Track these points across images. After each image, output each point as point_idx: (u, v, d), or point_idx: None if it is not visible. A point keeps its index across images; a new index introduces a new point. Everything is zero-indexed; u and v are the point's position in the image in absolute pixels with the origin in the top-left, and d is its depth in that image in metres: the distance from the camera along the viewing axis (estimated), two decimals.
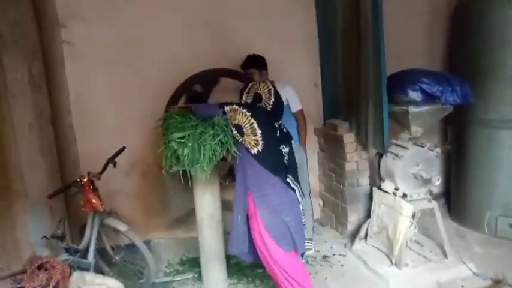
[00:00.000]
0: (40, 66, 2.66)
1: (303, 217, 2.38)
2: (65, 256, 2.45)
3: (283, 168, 2.31)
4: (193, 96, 3.00)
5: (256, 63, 3.07)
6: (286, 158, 2.34)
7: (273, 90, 2.38)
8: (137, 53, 3.19)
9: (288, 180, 2.29)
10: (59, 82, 2.98)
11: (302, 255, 2.40)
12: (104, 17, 3.10)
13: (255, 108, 2.34)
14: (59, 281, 2.02)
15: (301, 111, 3.23)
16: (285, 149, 2.35)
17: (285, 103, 3.01)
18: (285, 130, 2.43)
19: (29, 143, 2.40)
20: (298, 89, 3.24)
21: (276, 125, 2.36)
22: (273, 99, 2.35)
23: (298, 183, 2.38)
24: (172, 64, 3.16)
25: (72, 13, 3.03)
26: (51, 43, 2.87)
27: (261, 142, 2.23)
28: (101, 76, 3.17)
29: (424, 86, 2.63)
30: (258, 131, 2.23)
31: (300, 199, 2.36)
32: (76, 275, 2.18)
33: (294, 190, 2.32)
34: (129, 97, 3.23)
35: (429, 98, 2.68)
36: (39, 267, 2.06)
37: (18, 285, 1.95)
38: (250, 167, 2.28)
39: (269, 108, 2.35)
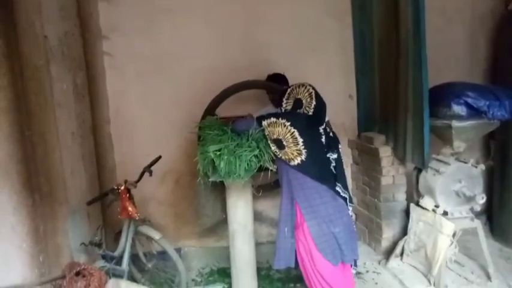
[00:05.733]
0: (83, 77, 2.76)
1: (353, 223, 2.32)
2: (101, 263, 2.51)
3: (331, 176, 2.24)
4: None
5: (275, 81, 3.00)
6: (333, 164, 2.26)
7: (313, 93, 2.30)
8: (173, 65, 3.26)
9: (337, 188, 2.22)
10: (100, 92, 3.09)
11: (355, 263, 2.32)
12: (142, 29, 3.20)
13: (294, 115, 2.26)
14: None
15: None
16: (333, 156, 2.27)
17: None
18: (331, 134, 2.34)
19: (71, 151, 2.49)
20: (332, 101, 3.13)
21: (321, 129, 2.27)
22: (314, 102, 2.27)
23: (348, 190, 2.30)
24: (205, 76, 3.21)
25: (113, 26, 3.14)
26: (93, 55, 2.99)
27: (303, 151, 2.16)
28: (138, 87, 3.26)
29: (469, 100, 2.52)
30: (300, 140, 2.16)
31: (349, 207, 2.30)
32: (112, 282, 2.21)
33: (344, 199, 2.25)
34: (164, 107, 3.30)
35: (474, 112, 2.56)
36: (77, 274, 2.11)
37: None
38: (295, 178, 2.21)
39: (310, 113, 2.26)
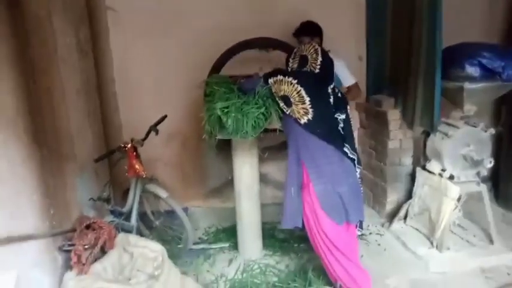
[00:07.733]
0: (86, 33, 2.68)
1: (360, 185, 2.32)
2: (110, 218, 2.57)
3: (339, 136, 2.21)
4: None
5: (308, 30, 2.85)
6: (341, 125, 2.24)
7: (319, 50, 2.22)
8: (178, 23, 3.16)
9: (345, 149, 2.20)
10: (104, 50, 3.02)
11: (361, 224, 2.36)
12: None
13: (300, 73, 2.21)
14: (106, 241, 2.12)
15: (356, 84, 3.00)
16: (341, 116, 2.24)
17: None
18: (339, 95, 2.29)
19: (76, 108, 2.47)
20: None
21: (329, 89, 2.22)
22: (320, 59, 2.19)
23: (356, 152, 2.29)
24: (212, 34, 3.12)
25: None
26: (96, 9, 2.89)
27: (310, 110, 2.12)
28: (142, 45, 3.18)
29: (484, 61, 2.44)
30: (307, 99, 2.12)
31: (357, 169, 2.30)
32: (121, 236, 2.27)
33: (352, 160, 2.24)
34: (169, 67, 3.23)
35: (488, 74, 2.48)
36: (88, 227, 2.17)
37: (68, 242, 2.06)
38: (302, 137, 2.19)
39: (317, 71, 2.19)
